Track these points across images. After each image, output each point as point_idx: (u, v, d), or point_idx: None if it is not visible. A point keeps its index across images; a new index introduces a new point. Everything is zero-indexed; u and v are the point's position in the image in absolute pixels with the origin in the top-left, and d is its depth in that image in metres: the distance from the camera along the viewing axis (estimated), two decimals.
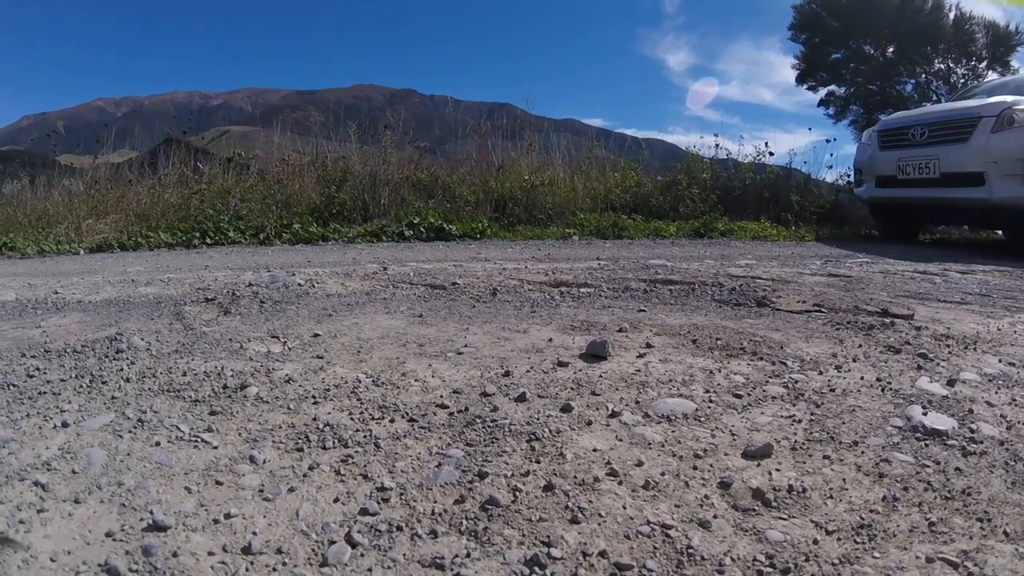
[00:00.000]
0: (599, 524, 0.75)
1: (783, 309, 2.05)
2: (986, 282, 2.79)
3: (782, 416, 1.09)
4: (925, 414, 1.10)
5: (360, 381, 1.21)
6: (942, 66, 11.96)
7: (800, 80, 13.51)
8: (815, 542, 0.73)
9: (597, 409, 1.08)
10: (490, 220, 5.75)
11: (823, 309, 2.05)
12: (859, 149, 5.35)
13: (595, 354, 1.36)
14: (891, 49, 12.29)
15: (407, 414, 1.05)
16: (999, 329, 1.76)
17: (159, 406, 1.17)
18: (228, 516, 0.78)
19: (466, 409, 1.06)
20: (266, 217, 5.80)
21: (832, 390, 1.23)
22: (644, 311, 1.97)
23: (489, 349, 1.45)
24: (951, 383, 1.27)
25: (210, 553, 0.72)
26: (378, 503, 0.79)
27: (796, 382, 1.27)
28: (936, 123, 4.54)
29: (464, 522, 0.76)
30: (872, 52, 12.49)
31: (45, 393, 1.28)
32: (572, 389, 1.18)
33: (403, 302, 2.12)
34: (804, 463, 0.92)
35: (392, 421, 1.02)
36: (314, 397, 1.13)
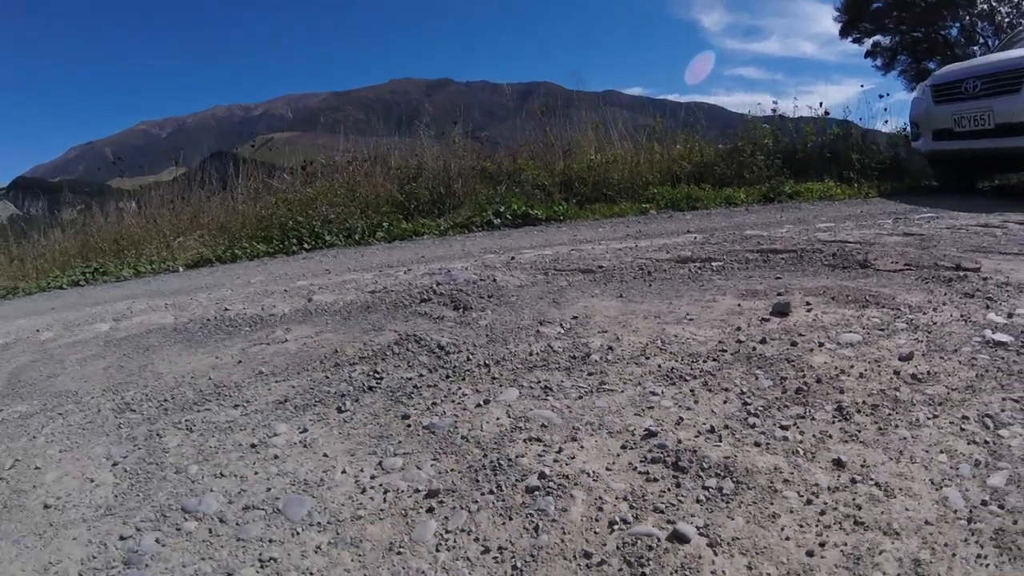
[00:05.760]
0: (853, 390, 1.72)
1: (882, 269, 2.98)
2: None
3: (911, 340, 2.05)
4: (994, 334, 2.05)
5: (655, 343, 2.17)
6: (985, 6, 12.43)
7: (844, 33, 14.05)
8: (947, 395, 1.69)
9: (808, 342, 2.04)
10: (566, 202, 6.63)
11: (912, 267, 2.98)
12: (913, 103, 6.12)
13: (781, 312, 2.32)
14: None
15: (708, 357, 2.01)
16: None
17: (540, 377, 1.89)
18: (681, 420, 1.71)
19: (738, 351, 2.03)
20: (353, 218, 6.67)
21: (935, 324, 2.18)
22: (780, 279, 2.92)
23: (705, 315, 2.42)
24: (1010, 316, 2.20)
25: (709, 429, 1.67)
26: (750, 396, 1.75)
27: (912, 320, 2.22)
28: (987, 75, 5.31)
29: (803, 399, 1.69)
30: None
31: (420, 387, 1.80)
32: (785, 332, 2.14)
33: (586, 287, 3.05)
34: (932, 361, 1.88)
35: (705, 361, 1.98)
36: (642, 355, 2.08)
